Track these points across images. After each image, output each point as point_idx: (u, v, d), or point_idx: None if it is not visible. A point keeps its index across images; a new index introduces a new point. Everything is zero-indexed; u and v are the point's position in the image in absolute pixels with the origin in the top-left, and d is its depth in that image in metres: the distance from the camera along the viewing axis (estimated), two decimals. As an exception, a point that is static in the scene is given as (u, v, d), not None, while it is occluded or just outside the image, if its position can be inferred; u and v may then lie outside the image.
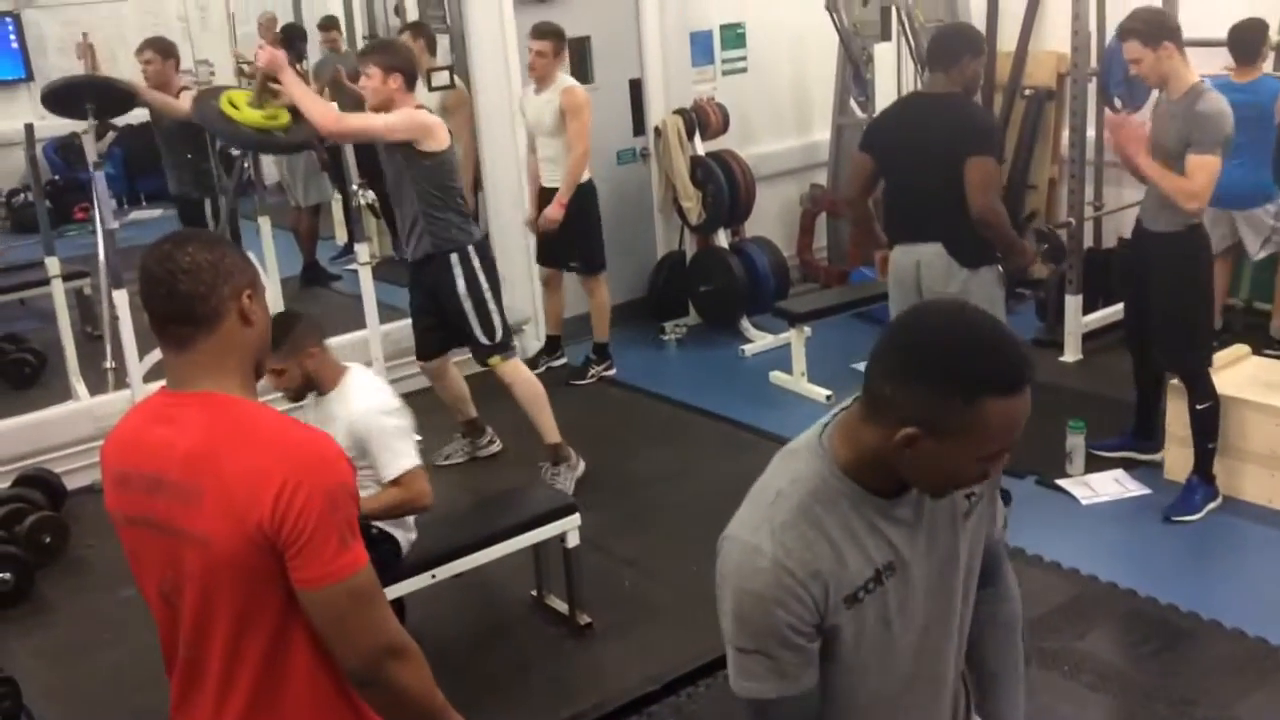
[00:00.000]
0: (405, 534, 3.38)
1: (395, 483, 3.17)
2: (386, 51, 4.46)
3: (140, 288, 1.72)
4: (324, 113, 4.27)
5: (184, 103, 5.75)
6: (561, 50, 5.47)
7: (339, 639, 1.66)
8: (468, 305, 4.51)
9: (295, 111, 4.40)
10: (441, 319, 4.63)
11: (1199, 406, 4.18)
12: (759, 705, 1.54)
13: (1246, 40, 5.21)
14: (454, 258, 4.47)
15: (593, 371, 5.96)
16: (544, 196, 5.64)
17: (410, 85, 4.38)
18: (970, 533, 1.64)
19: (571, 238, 5.67)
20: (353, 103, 4.70)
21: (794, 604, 1.48)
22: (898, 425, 1.44)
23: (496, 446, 5.09)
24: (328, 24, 8.21)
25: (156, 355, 4.88)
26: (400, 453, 3.17)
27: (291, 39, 7.74)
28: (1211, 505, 4.24)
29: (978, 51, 4.09)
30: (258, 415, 1.70)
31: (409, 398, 5.65)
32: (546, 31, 5.45)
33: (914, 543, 1.57)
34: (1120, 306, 5.04)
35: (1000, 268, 4.12)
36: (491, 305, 4.53)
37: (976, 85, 4.19)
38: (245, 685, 1.69)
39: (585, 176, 5.63)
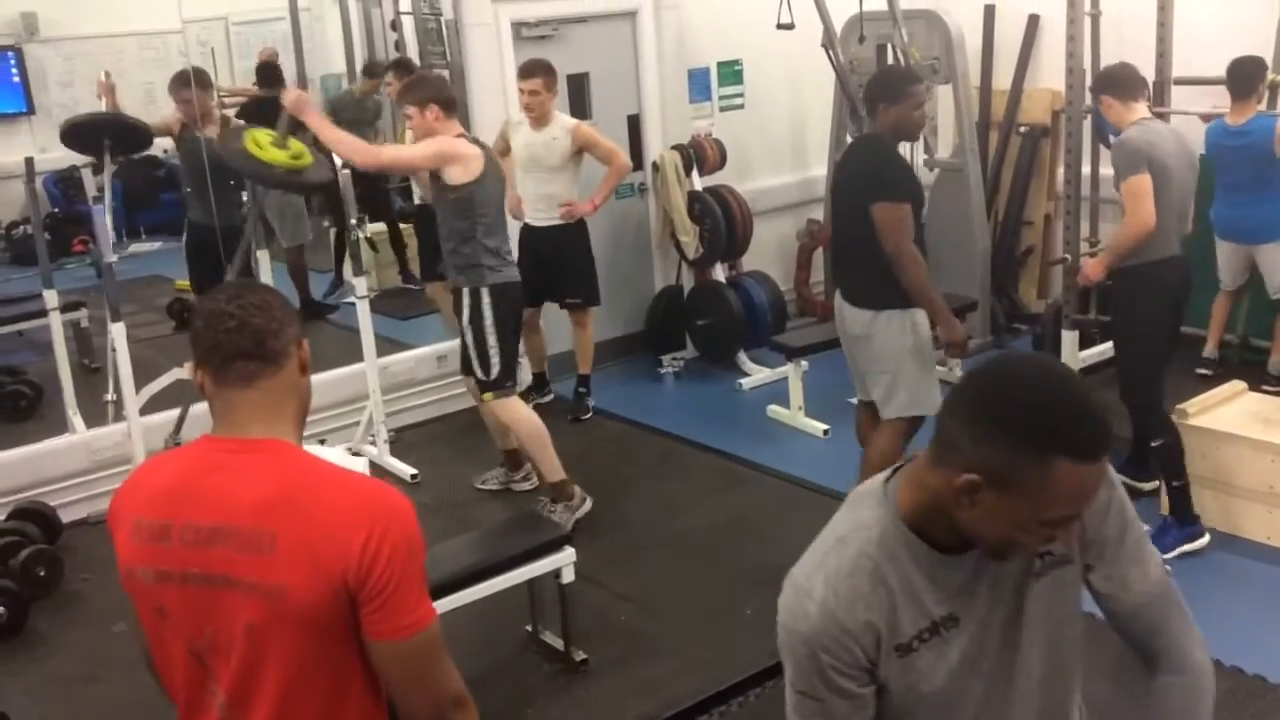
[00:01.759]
0: None
1: None
2: (416, 87, 4.49)
3: (201, 326, 1.68)
4: (356, 148, 4.31)
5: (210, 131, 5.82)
6: (554, 85, 5.45)
7: (415, 689, 1.65)
8: (468, 338, 4.52)
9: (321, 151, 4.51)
10: None
11: (1154, 444, 4.21)
12: None
13: (1245, 75, 5.27)
14: (465, 291, 4.48)
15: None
16: (531, 236, 5.64)
17: (448, 111, 4.40)
18: (1044, 594, 1.56)
19: (567, 273, 5.68)
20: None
21: (840, 651, 1.48)
22: (961, 471, 1.41)
23: (530, 484, 5.04)
24: (373, 71, 8.05)
25: (154, 388, 4.90)
26: None
27: (269, 79, 7.64)
28: (1189, 546, 4.18)
29: (893, 98, 3.99)
30: (326, 466, 1.68)
31: (417, 428, 5.73)
32: (536, 68, 5.41)
33: (974, 597, 1.53)
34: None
35: (913, 316, 4.03)
36: (492, 343, 4.50)
37: (909, 130, 4.09)
38: None
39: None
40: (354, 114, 7.97)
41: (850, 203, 4.00)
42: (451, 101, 4.46)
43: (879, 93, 4.05)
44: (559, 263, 5.59)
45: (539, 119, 5.45)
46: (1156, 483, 4.48)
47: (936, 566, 1.51)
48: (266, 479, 1.62)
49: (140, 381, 4.84)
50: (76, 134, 5.27)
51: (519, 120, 5.58)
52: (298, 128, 4.58)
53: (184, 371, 4.72)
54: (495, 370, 4.54)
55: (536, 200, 5.59)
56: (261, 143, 4.53)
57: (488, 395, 4.60)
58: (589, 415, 5.92)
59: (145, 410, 4.83)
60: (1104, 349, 5.80)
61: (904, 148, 4.35)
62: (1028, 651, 1.57)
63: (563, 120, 5.52)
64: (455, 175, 4.32)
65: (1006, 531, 1.43)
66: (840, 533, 1.55)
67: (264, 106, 7.48)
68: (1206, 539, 4.21)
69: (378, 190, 7.39)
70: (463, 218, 4.39)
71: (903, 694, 1.52)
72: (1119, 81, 4.42)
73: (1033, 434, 1.38)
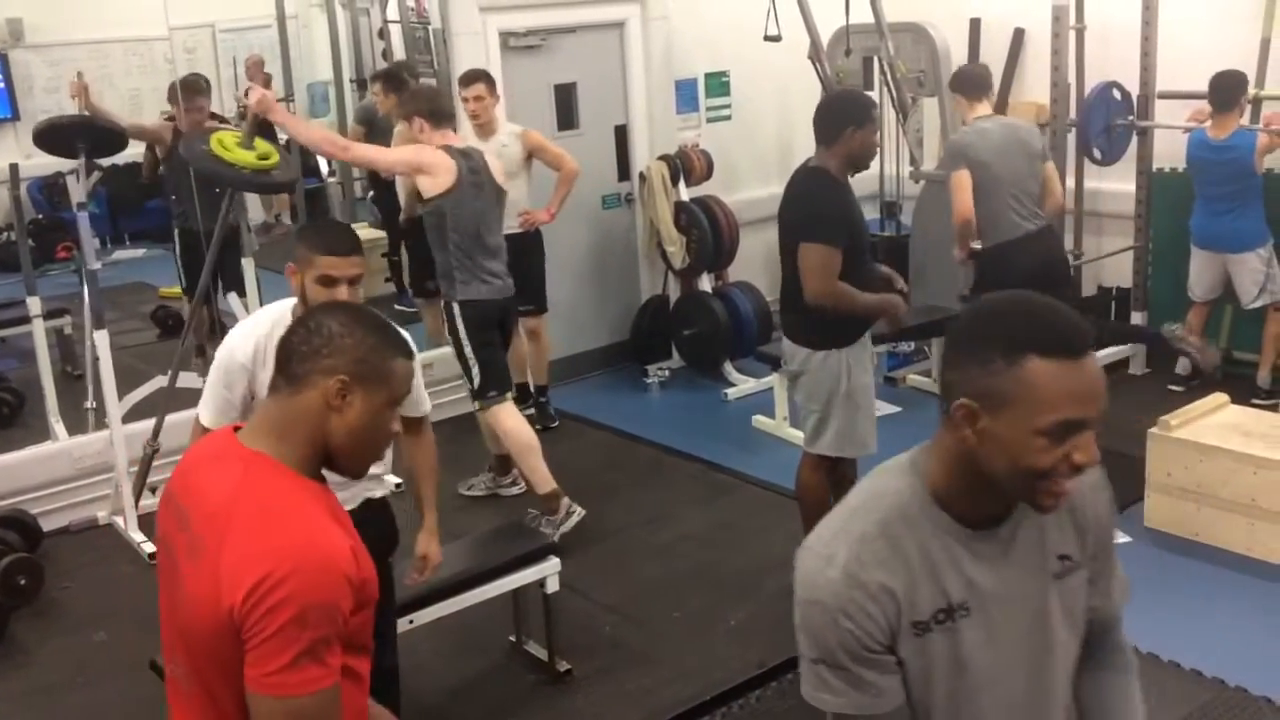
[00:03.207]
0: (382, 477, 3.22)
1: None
2: (409, 100, 4.59)
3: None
4: (325, 138, 4.27)
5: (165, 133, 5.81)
6: (495, 91, 5.42)
7: None
8: (453, 348, 4.57)
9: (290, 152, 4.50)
10: None
11: None
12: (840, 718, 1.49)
13: (1226, 88, 5.33)
14: (443, 303, 4.54)
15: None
16: None
17: (436, 123, 4.41)
18: (1064, 595, 1.55)
19: (522, 282, 5.63)
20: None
21: (862, 618, 1.44)
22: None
23: (519, 489, 5.05)
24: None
25: (136, 396, 4.88)
26: None
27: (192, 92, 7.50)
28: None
29: (862, 122, 3.79)
30: (288, 499, 1.62)
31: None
32: (478, 75, 5.39)
33: (996, 582, 1.49)
34: (1107, 351, 5.12)
35: (848, 358, 3.86)
36: (468, 354, 4.54)
37: (868, 156, 3.92)
38: None
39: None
40: (385, 122, 7.87)
41: (787, 242, 3.88)
42: (439, 113, 4.46)
43: (849, 116, 3.79)
44: (517, 271, 5.56)
45: (484, 127, 5.39)
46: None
47: (957, 543, 1.47)
48: (227, 490, 1.63)
49: (123, 389, 4.81)
50: (50, 136, 5.25)
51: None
52: (265, 128, 4.49)
53: (166, 380, 4.70)
54: (477, 380, 4.58)
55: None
56: (227, 144, 4.42)
57: (476, 404, 4.66)
58: (556, 423, 5.89)
59: (128, 418, 4.81)
60: (1106, 353, 5.84)
61: (898, 153, 4.31)
62: (1053, 648, 1.55)
63: (509, 127, 5.51)
64: (425, 186, 4.38)
65: (1019, 457, 1.39)
66: (858, 501, 1.52)
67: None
68: None
69: (390, 194, 7.30)
70: (435, 229, 4.45)
71: (916, 676, 1.48)
72: (966, 82, 4.97)
73: (1000, 339, 1.39)
